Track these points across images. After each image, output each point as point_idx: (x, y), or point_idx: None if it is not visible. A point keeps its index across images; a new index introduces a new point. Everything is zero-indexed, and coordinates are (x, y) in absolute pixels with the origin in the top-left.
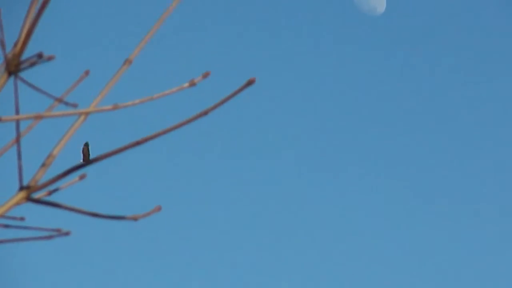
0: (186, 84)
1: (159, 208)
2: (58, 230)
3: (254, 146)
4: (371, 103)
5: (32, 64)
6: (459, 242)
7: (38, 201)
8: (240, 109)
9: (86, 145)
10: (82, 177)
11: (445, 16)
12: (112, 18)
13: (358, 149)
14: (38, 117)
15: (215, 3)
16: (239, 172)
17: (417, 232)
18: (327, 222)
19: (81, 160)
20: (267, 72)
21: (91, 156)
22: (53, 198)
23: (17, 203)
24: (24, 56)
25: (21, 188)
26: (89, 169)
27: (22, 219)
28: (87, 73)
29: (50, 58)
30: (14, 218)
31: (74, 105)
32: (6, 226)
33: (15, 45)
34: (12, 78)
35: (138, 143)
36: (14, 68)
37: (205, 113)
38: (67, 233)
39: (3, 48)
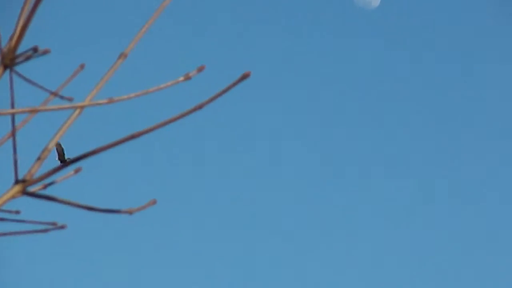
0: (181, 78)
1: (154, 202)
2: (53, 224)
3: (250, 140)
4: (365, 97)
5: (28, 58)
6: (459, 241)
7: (33, 195)
8: (235, 103)
9: (59, 145)
10: (77, 170)
11: (440, 9)
12: (108, 12)
13: (355, 144)
14: (34, 111)
15: None
16: (234, 165)
17: (417, 231)
18: (327, 220)
19: (57, 159)
20: (262, 66)
21: (74, 155)
22: (48, 191)
23: (13, 197)
24: (20, 50)
25: (17, 181)
26: (85, 163)
27: (17, 212)
28: (82, 66)
29: (45, 52)
30: (9, 212)
31: (70, 99)
32: (2, 219)
33: (11, 38)
34: (7, 72)
35: (133, 137)
36: (9, 61)
37: (200, 106)
38: (62, 227)
39: None
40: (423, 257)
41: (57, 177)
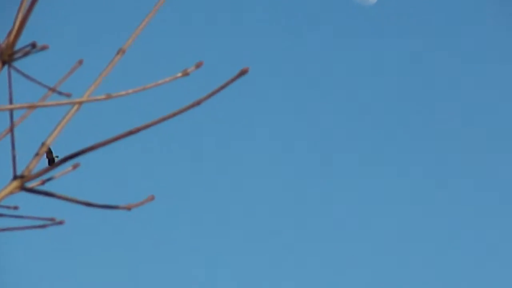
0: (179, 74)
1: (152, 198)
2: (52, 219)
3: (248, 136)
4: (363, 93)
5: (26, 54)
6: (460, 240)
7: (32, 190)
8: (234, 99)
9: (48, 151)
10: (75, 166)
11: (438, 4)
12: (106, 7)
13: (354, 140)
14: (32, 107)
15: None
16: (233, 161)
17: (418, 231)
18: (327, 219)
19: (48, 164)
20: (259, 62)
21: (72, 151)
22: (47, 187)
23: (11, 192)
24: (18, 45)
25: (15, 177)
26: (83, 159)
27: (16, 208)
28: (80, 62)
29: (43, 48)
30: (8, 207)
31: (68, 95)
32: (0, 215)
33: (9, 34)
34: (5, 68)
35: (131, 133)
36: (7, 57)
37: (198, 103)
38: (60, 222)
39: None
40: (425, 256)
41: (55, 172)
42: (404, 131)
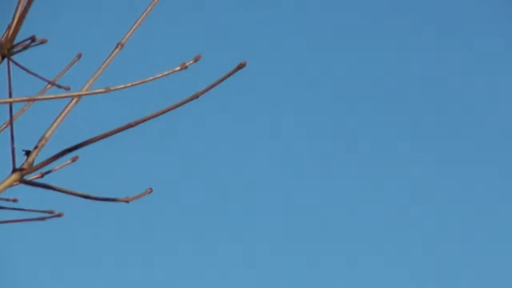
0: (178, 68)
1: (150, 191)
2: (50, 212)
3: (246, 130)
4: (362, 92)
5: (25, 47)
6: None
7: (31, 183)
8: (231, 92)
9: (27, 152)
10: (74, 159)
11: (439, 4)
12: (105, 1)
13: (355, 128)
14: (31, 100)
15: None
16: (231, 155)
17: (418, 230)
18: (327, 217)
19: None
20: (258, 56)
21: (70, 144)
22: (45, 180)
23: (10, 185)
24: (17, 39)
25: (14, 170)
26: (82, 152)
27: (15, 200)
28: (79, 56)
29: (42, 42)
30: (7, 200)
31: (67, 88)
32: (0, 207)
33: (8, 28)
34: (5, 61)
35: (130, 126)
36: (7, 51)
37: (196, 96)
38: (59, 215)
39: None
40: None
41: (54, 165)
42: (404, 132)
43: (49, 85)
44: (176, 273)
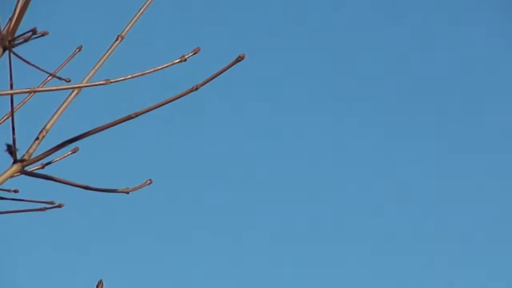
0: (177, 60)
1: (150, 182)
2: (51, 203)
3: (245, 122)
4: (362, 90)
5: (26, 40)
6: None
7: (31, 174)
8: (230, 84)
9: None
10: (74, 150)
11: (439, 4)
12: None
13: (358, 121)
14: (32, 92)
15: None
16: (231, 147)
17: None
18: (327, 215)
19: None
20: (257, 49)
21: (71, 135)
22: (46, 171)
23: (11, 176)
24: (18, 31)
25: (15, 161)
26: (82, 143)
27: (16, 191)
28: (80, 48)
29: (43, 34)
30: (8, 191)
31: (67, 80)
32: (0, 198)
33: (10, 20)
34: (6, 53)
35: (130, 118)
36: (8, 43)
37: (196, 88)
38: (60, 206)
39: None
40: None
41: (55, 157)
42: (404, 131)
43: (50, 77)
44: (175, 263)
